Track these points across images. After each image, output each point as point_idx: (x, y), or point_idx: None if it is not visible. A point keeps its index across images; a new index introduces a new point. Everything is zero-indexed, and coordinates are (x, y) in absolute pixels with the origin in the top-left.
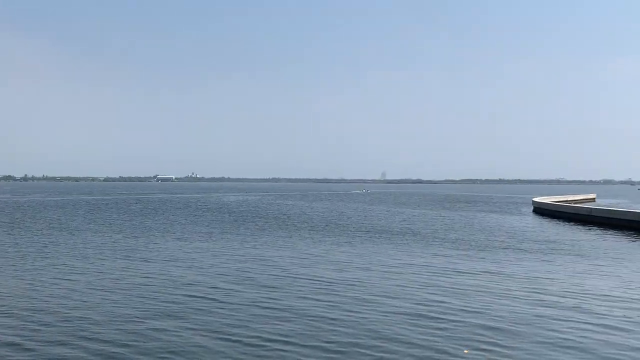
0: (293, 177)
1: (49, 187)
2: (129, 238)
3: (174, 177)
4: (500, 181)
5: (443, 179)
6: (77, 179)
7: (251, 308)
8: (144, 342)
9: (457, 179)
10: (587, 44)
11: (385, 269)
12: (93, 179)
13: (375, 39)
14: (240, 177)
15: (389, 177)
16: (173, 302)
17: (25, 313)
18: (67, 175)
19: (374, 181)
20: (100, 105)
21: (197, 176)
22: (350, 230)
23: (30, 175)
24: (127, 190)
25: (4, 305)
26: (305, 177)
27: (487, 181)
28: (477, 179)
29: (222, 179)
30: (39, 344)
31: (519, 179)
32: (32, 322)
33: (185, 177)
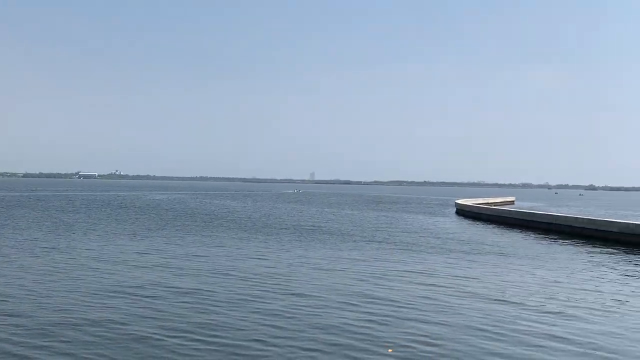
0: (221, 176)
1: None
2: (49, 236)
3: (96, 174)
4: (425, 183)
5: (371, 180)
6: None
7: (173, 305)
8: (59, 341)
9: (385, 181)
10: (507, 50)
11: (311, 268)
12: (11, 175)
13: (308, 40)
14: (167, 175)
15: (317, 177)
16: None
17: None
18: None
19: (303, 181)
20: (21, 98)
21: (122, 173)
22: (279, 230)
23: None
24: (47, 186)
25: None
26: (233, 176)
27: (413, 183)
28: (403, 181)
29: (147, 177)
30: None
31: (443, 181)
32: None
33: (109, 174)
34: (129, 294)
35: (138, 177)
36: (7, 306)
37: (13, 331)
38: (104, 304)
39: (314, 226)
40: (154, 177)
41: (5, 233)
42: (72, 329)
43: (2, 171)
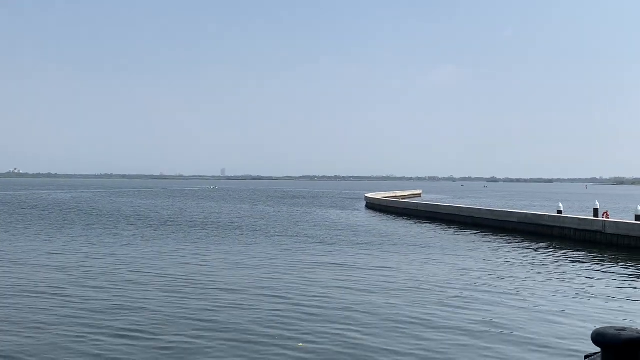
0: (127, 173)
1: None
2: None
3: None
4: (336, 178)
5: (283, 175)
6: None
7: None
8: None
9: (297, 176)
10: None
11: (225, 264)
12: None
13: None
14: (70, 173)
15: (228, 173)
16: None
17: None
18: None
19: (213, 177)
20: None
21: (20, 172)
22: (192, 227)
23: None
24: None
25: None
26: (140, 173)
27: (325, 177)
28: (315, 176)
29: (49, 175)
30: None
31: (353, 176)
32: None
33: (7, 172)
34: (38, 293)
35: (39, 175)
36: None
37: None
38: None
39: (230, 222)
40: (56, 176)
41: None
42: None
43: None
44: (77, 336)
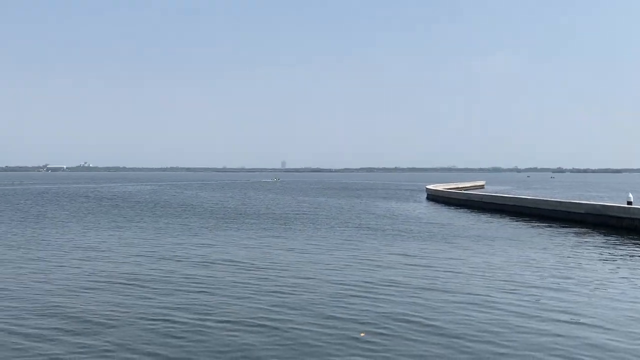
0: (192, 166)
1: None
2: (22, 229)
3: (64, 166)
4: (395, 169)
5: (342, 167)
6: None
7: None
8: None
9: (356, 168)
10: (463, 40)
11: (289, 253)
12: None
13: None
14: (137, 166)
15: (288, 166)
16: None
17: None
18: None
19: (274, 170)
20: None
21: (90, 165)
22: (257, 218)
23: None
24: (14, 179)
25: None
26: (204, 166)
27: (384, 169)
28: (374, 168)
29: (117, 169)
30: None
31: (413, 167)
32: None
33: (78, 166)
34: (128, 284)
35: (108, 168)
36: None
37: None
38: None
39: (293, 214)
40: (124, 169)
41: None
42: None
43: None
44: (155, 320)
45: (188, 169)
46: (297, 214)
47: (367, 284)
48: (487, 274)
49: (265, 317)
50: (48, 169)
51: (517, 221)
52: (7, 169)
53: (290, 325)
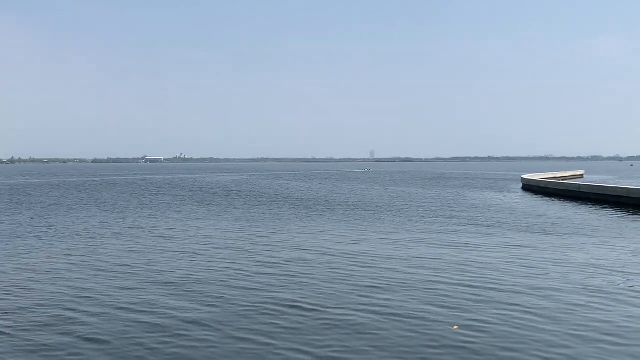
0: (280, 156)
1: (36, 170)
2: (121, 217)
3: (162, 158)
4: (489, 158)
5: (433, 157)
6: (64, 161)
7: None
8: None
9: (447, 157)
10: (567, 23)
11: (382, 243)
12: (81, 161)
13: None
14: (229, 157)
15: (377, 156)
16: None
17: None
18: (55, 157)
19: (363, 160)
20: (90, 88)
21: (186, 157)
22: (347, 207)
23: (17, 158)
24: (115, 171)
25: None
26: (292, 156)
27: (477, 159)
28: (467, 157)
29: (210, 160)
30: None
31: (507, 156)
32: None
33: (174, 157)
34: (210, 269)
35: (202, 160)
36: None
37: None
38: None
39: (384, 204)
40: (217, 160)
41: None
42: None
43: (73, 158)
44: (251, 305)
45: (277, 160)
46: (387, 204)
47: (458, 277)
48: (585, 269)
49: (402, 307)
50: (147, 160)
51: (619, 212)
52: (109, 160)
53: (381, 314)
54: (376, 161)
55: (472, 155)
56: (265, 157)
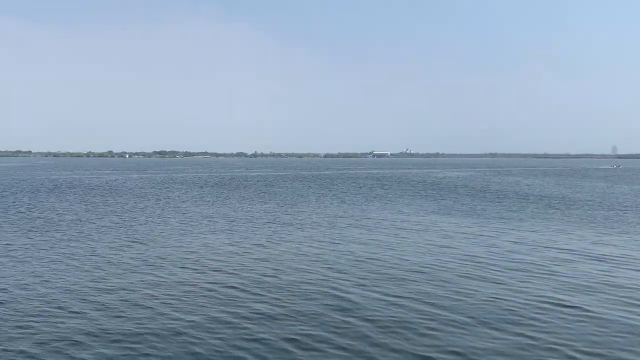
0: (510, 152)
1: (276, 163)
2: (354, 208)
3: (388, 153)
4: None
5: None
6: (300, 156)
7: None
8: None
9: None
10: None
11: None
12: (315, 155)
13: None
14: (454, 152)
15: (620, 151)
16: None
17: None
18: (291, 152)
19: (603, 156)
20: (326, 90)
21: (411, 152)
22: (597, 210)
23: (259, 152)
24: (345, 165)
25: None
26: (522, 152)
27: None
28: None
29: (436, 155)
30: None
31: None
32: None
33: (400, 152)
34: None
35: (427, 155)
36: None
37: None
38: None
39: None
40: (443, 155)
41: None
42: None
43: (307, 152)
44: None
45: (506, 155)
46: None
47: None
48: None
49: None
50: (374, 155)
51: None
52: (339, 155)
53: None
54: (618, 157)
55: None
56: (494, 152)
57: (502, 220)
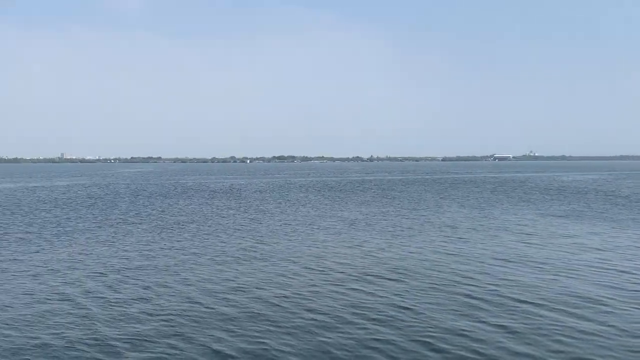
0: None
1: (392, 167)
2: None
3: (511, 155)
4: None
5: None
6: (417, 159)
7: None
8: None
9: None
10: None
11: None
12: (432, 159)
13: None
14: (584, 155)
15: None
16: None
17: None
18: (408, 156)
19: None
20: (439, 85)
21: (535, 154)
22: None
23: (375, 156)
24: (466, 169)
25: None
26: None
27: None
28: None
29: (561, 158)
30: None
31: None
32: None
33: (523, 155)
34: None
35: (552, 157)
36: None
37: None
38: None
39: None
40: (570, 158)
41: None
42: None
43: (425, 156)
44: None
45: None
46: None
47: None
48: None
49: None
50: (495, 158)
51: None
52: (458, 158)
53: None
54: None
55: None
56: (626, 154)
57: None
